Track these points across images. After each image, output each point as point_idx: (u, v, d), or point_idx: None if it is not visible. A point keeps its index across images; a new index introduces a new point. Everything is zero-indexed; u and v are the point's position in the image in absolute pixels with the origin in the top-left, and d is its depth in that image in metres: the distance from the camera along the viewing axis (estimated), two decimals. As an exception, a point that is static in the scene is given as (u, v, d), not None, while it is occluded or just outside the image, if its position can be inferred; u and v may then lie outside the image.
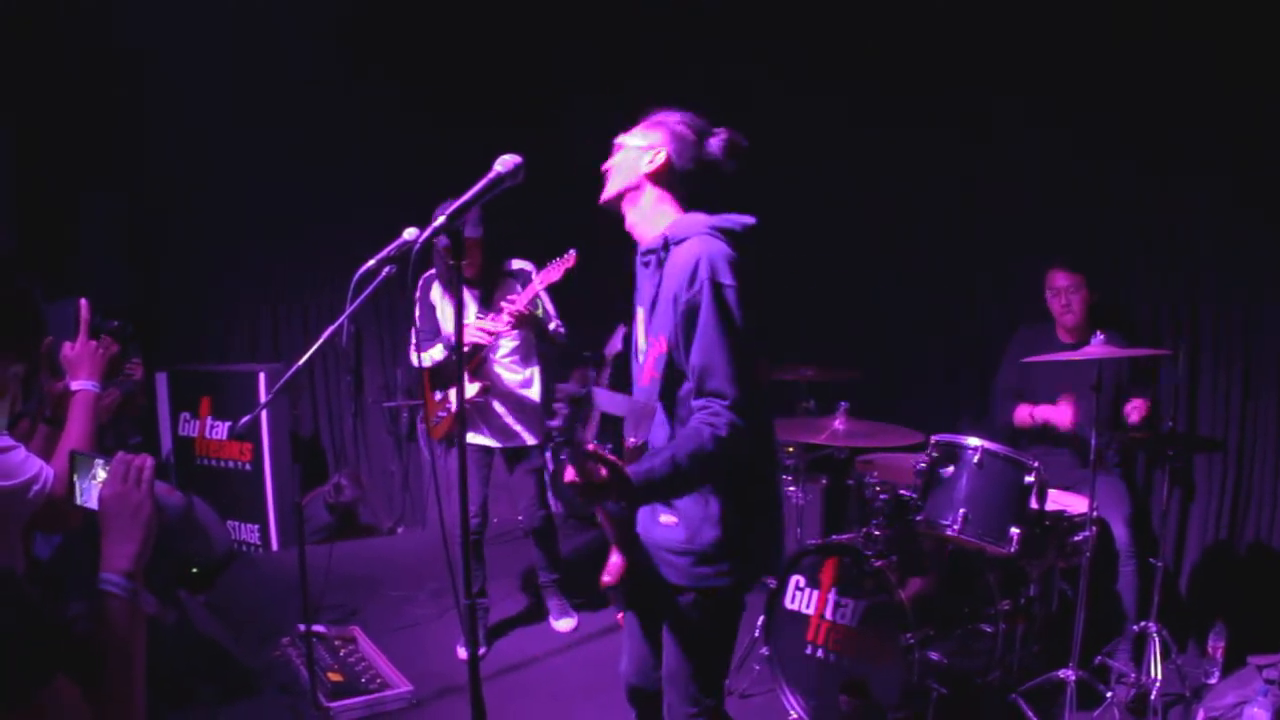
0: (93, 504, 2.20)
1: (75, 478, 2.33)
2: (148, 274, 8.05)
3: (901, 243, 6.56)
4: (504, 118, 7.59)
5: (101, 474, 2.24)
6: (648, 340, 2.87)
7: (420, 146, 7.82)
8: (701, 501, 2.76)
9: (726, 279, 2.65)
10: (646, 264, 2.90)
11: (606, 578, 2.94)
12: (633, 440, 2.81)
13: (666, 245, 2.79)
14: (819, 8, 6.65)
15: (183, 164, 7.82)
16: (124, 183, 7.73)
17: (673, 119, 2.91)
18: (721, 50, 7.16)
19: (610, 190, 2.94)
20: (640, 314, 2.95)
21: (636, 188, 2.91)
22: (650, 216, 2.90)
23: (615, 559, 2.94)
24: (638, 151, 2.89)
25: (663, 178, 2.89)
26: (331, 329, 3.69)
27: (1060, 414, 5.07)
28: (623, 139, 2.96)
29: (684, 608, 2.87)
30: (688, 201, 2.92)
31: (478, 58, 8.05)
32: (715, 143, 2.90)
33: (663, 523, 2.84)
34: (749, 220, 2.82)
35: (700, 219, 2.81)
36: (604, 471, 2.43)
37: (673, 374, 2.75)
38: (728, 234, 2.76)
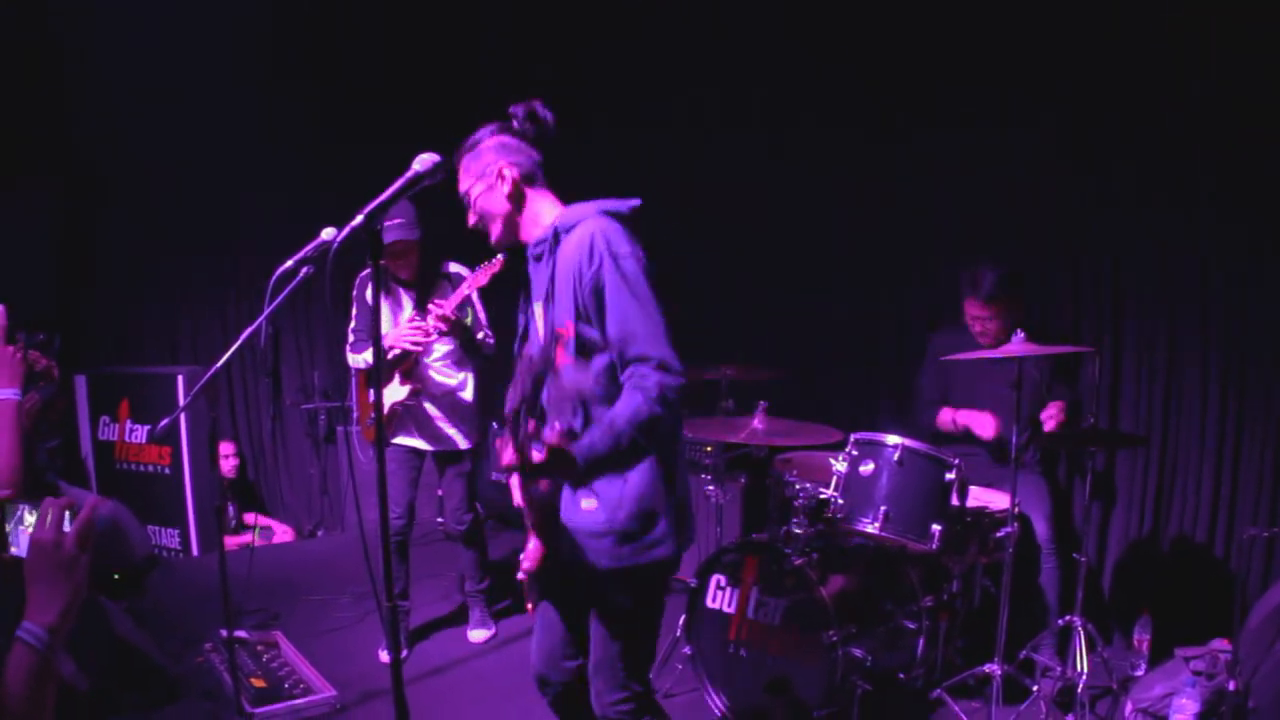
0: (23, 551, 2.07)
1: (6, 525, 2.21)
2: (69, 275, 7.91)
3: (820, 240, 6.55)
4: (427, 119, 7.57)
5: (29, 518, 2.14)
6: (554, 331, 2.89)
7: (342, 147, 7.73)
8: (619, 481, 2.82)
9: (623, 248, 2.75)
10: (539, 257, 2.94)
11: (526, 564, 2.93)
12: (560, 425, 2.81)
13: (557, 235, 2.87)
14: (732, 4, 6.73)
15: (102, 164, 7.69)
16: (45, 181, 7.59)
17: (487, 141, 2.97)
18: (633, 51, 7.26)
19: (500, 237, 3.02)
20: (538, 309, 2.96)
21: (513, 212, 2.97)
22: (535, 218, 2.98)
23: (533, 545, 2.93)
24: (486, 189, 2.95)
25: (522, 187, 2.96)
26: (249, 330, 3.65)
27: (982, 424, 5.02)
28: (466, 190, 3.00)
29: (609, 591, 2.93)
30: (548, 183, 3.03)
31: (397, 61, 8.07)
32: (527, 127, 2.98)
33: (584, 508, 2.87)
34: (635, 202, 2.92)
35: (588, 205, 2.89)
36: (539, 455, 2.51)
37: (583, 351, 2.80)
38: (616, 215, 2.85)
